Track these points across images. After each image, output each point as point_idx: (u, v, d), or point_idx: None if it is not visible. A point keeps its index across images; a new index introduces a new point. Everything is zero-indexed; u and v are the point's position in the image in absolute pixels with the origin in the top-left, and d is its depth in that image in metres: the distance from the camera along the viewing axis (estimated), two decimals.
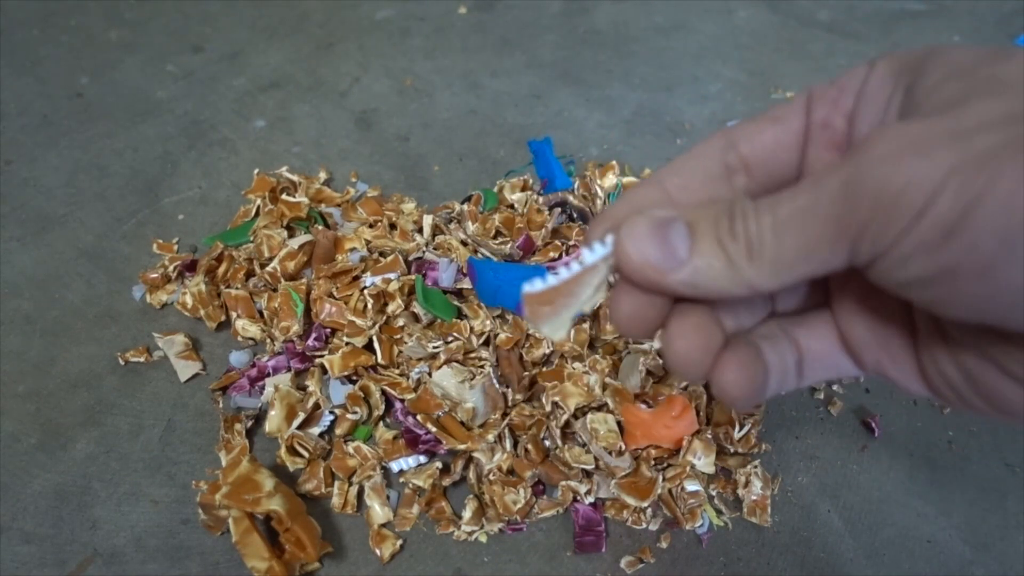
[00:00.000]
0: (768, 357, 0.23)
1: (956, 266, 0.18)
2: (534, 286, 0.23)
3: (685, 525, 0.43)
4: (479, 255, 0.53)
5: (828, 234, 0.19)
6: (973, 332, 0.20)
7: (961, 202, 0.18)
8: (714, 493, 0.45)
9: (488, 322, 0.48)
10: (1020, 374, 0.19)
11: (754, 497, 0.44)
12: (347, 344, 0.48)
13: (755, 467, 0.44)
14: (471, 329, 0.47)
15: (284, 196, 0.56)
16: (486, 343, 0.48)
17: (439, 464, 0.44)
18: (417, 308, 0.48)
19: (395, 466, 0.45)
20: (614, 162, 0.59)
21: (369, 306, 0.48)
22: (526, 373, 0.47)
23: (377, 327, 0.48)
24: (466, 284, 0.50)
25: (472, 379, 0.45)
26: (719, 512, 0.44)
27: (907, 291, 0.19)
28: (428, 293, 0.48)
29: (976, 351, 0.20)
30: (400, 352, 0.48)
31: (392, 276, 0.49)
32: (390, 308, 0.48)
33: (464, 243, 0.53)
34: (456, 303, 0.49)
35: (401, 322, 0.48)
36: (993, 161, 0.18)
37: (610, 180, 0.58)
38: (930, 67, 0.21)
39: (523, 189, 0.58)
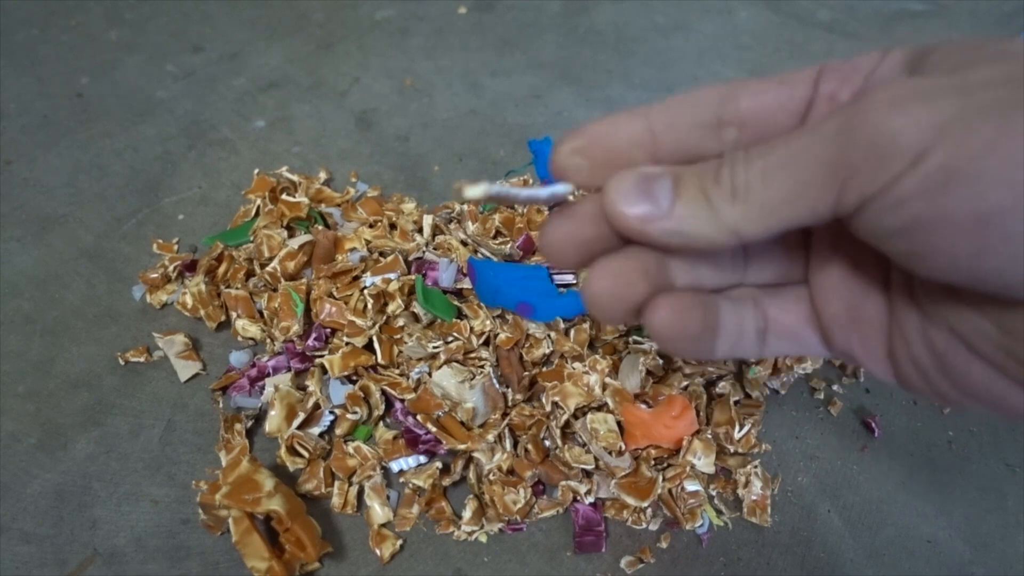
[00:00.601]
0: (723, 315, 0.23)
1: (952, 213, 0.17)
2: (476, 190, 0.21)
3: (685, 525, 0.43)
4: (479, 255, 0.53)
5: (818, 177, 0.19)
6: (947, 304, 0.20)
7: (966, 148, 0.17)
8: (714, 493, 0.45)
9: (488, 322, 0.48)
10: (988, 351, 0.19)
11: (754, 497, 0.44)
12: (347, 344, 0.48)
13: (755, 467, 0.44)
14: (471, 329, 0.47)
15: (284, 196, 0.56)
16: (486, 343, 0.48)
17: (439, 464, 0.44)
18: (417, 308, 0.48)
19: (395, 466, 0.45)
20: None
21: (369, 306, 0.48)
22: (526, 373, 0.47)
23: (377, 327, 0.48)
24: (466, 284, 0.50)
25: (472, 379, 0.45)
26: (719, 512, 0.44)
27: (893, 242, 0.18)
28: (428, 293, 0.48)
29: (947, 328, 0.20)
30: (400, 352, 0.48)
31: (392, 276, 0.49)
32: (390, 308, 0.48)
33: (464, 243, 0.53)
34: (456, 303, 0.49)
35: (401, 322, 0.48)
36: (1001, 111, 0.17)
37: None
38: (939, 48, 0.20)
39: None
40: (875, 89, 0.19)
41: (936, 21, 0.81)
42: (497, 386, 0.46)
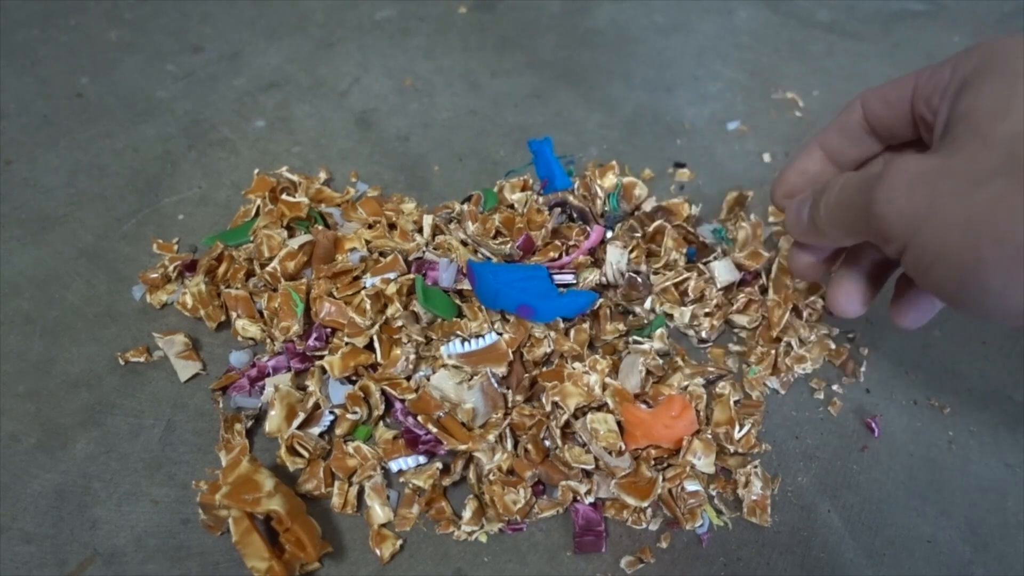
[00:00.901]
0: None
1: (939, 284, 0.27)
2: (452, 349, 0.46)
3: (685, 525, 0.43)
4: (479, 256, 0.52)
5: (850, 228, 0.32)
6: None
7: (937, 239, 0.26)
8: (714, 493, 0.45)
9: (487, 325, 0.48)
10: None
11: (754, 497, 0.44)
12: (347, 344, 0.48)
13: (755, 467, 0.44)
14: (471, 331, 0.47)
15: (284, 196, 0.57)
16: None
17: (439, 464, 0.44)
18: (417, 307, 0.48)
19: (395, 466, 0.45)
20: (614, 162, 0.60)
21: (368, 308, 0.48)
22: (527, 374, 0.47)
23: (377, 327, 0.48)
24: (467, 284, 0.50)
25: (470, 380, 0.45)
26: (719, 512, 0.44)
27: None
28: (428, 292, 0.48)
29: None
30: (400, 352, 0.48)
31: (391, 276, 0.49)
32: (389, 311, 0.48)
33: (464, 243, 0.53)
34: (457, 303, 0.49)
35: (400, 323, 0.48)
36: (969, 205, 0.25)
37: (610, 180, 0.58)
38: (982, 82, 0.29)
39: (523, 189, 0.58)
40: (888, 170, 0.28)
41: (936, 21, 0.81)
42: (496, 386, 0.46)
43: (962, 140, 0.27)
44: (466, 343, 0.47)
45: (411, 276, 0.49)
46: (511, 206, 0.56)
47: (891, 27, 0.81)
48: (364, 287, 0.49)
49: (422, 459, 0.45)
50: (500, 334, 0.47)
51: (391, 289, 0.48)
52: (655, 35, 0.79)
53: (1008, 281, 0.24)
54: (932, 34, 0.80)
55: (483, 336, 0.47)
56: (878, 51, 0.78)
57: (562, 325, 0.49)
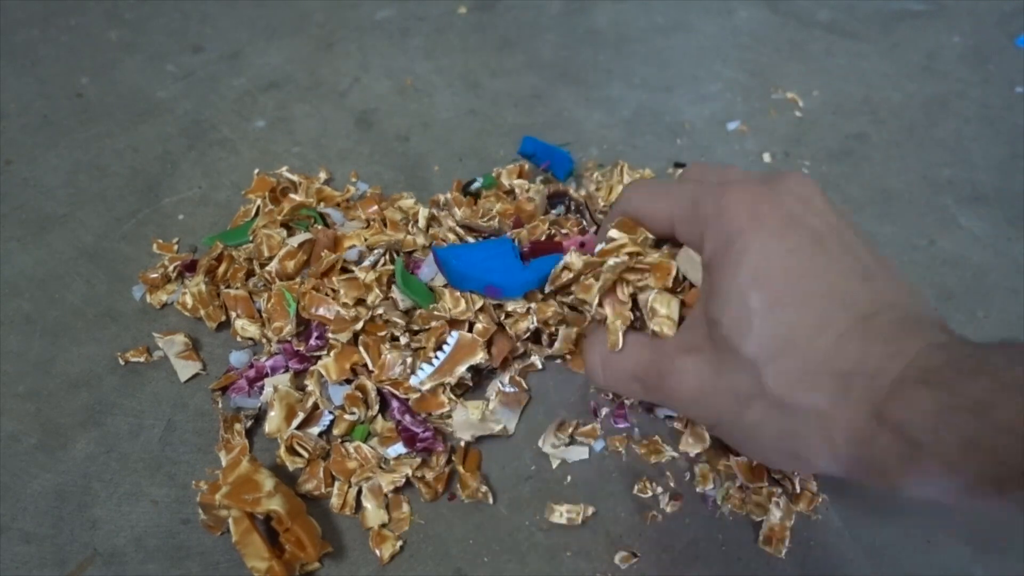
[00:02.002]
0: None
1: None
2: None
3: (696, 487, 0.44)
4: (470, 238, 0.52)
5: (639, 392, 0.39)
6: None
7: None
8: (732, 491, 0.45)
9: (463, 303, 0.47)
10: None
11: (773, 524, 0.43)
12: (335, 341, 0.47)
13: (777, 497, 0.43)
14: (451, 315, 0.47)
15: (290, 196, 0.57)
16: (469, 330, 0.47)
17: (419, 458, 0.45)
18: (396, 293, 0.48)
19: (391, 451, 0.45)
20: (621, 162, 0.60)
21: (342, 293, 0.47)
22: (519, 345, 0.48)
23: (362, 323, 0.47)
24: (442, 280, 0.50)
25: (487, 406, 0.46)
26: (727, 495, 0.44)
27: None
28: (407, 277, 0.48)
29: None
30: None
31: (373, 258, 0.49)
32: (369, 299, 0.48)
33: (454, 231, 0.53)
34: (443, 289, 0.49)
35: (381, 310, 0.47)
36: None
37: (618, 191, 0.58)
38: (724, 266, 0.33)
39: (520, 175, 0.58)
40: (672, 377, 0.35)
41: (936, 21, 0.81)
42: (511, 389, 0.46)
43: (723, 354, 0.32)
44: (434, 358, 0.46)
45: (390, 268, 0.49)
46: (508, 191, 0.56)
47: (891, 27, 0.81)
48: (346, 258, 0.50)
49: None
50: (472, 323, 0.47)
51: (370, 277, 0.48)
52: (655, 35, 0.79)
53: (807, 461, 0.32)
54: (932, 34, 0.80)
55: (446, 342, 0.46)
56: (878, 51, 0.78)
57: (540, 296, 0.48)
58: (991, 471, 0.24)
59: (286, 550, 0.40)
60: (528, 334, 0.48)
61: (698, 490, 0.44)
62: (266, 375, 0.48)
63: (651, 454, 0.45)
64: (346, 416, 0.46)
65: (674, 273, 0.37)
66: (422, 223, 0.54)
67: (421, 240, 0.52)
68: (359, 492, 0.44)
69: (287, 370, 0.48)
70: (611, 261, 0.37)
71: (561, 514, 0.43)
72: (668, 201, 0.37)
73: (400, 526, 0.43)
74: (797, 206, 0.32)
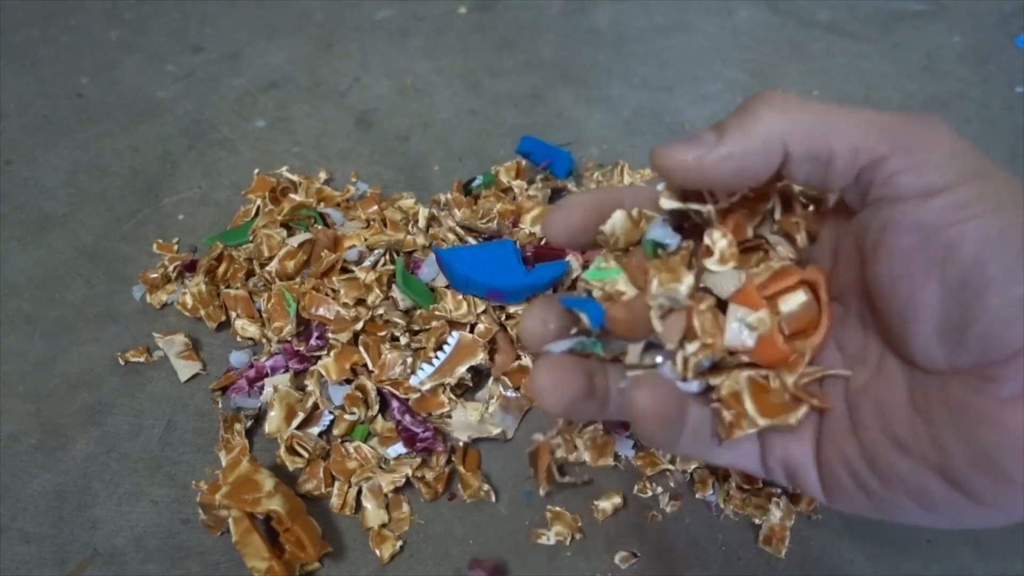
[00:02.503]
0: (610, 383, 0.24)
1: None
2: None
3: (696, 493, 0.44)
4: (469, 240, 0.52)
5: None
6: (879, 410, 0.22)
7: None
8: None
9: (465, 306, 0.47)
10: (912, 444, 0.21)
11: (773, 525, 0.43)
12: (335, 341, 0.47)
13: (777, 498, 0.43)
14: (450, 321, 0.47)
15: (290, 196, 0.57)
16: (471, 332, 0.47)
17: (419, 458, 0.45)
18: (396, 293, 0.48)
19: (391, 451, 0.45)
20: (621, 161, 0.60)
21: (342, 293, 0.47)
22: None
23: (362, 323, 0.47)
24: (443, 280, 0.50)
25: (487, 408, 0.46)
26: (727, 497, 0.44)
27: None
28: (408, 277, 0.48)
29: (878, 429, 0.22)
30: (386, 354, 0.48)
31: (373, 258, 0.49)
32: (369, 299, 0.48)
33: (455, 231, 0.53)
34: (444, 289, 0.49)
35: (381, 311, 0.47)
36: None
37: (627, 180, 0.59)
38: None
39: (517, 172, 0.58)
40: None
41: (936, 21, 0.81)
42: (513, 394, 0.46)
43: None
44: (435, 359, 0.46)
45: (390, 268, 0.49)
46: (506, 189, 0.56)
47: (891, 27, 0.81)
48: (345, 257, 0.50)
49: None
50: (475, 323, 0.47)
51: (370, 277, 0.48)
52: (655, 35, 0.79)
53: None
54: (932, 34, 0.79)
55: (446, 343, 0.47)
56: (878, 51, 0.77)
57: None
58: None
59: (286, 550, 0.40)
60: None
61: (697, 496, 0.44)
62: (266, 375, 0.48)
63: (648, 466, 0.45)
64: (346, 416, 0.46)
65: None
66: (422, 223, 0.54)
67: (421, 240, 0.52)
68: (359, 492, 0.44)
69: (287, 370, 0.48)
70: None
71: (549, 538, 0.43)
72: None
73: (400, 526, 0.43)
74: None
